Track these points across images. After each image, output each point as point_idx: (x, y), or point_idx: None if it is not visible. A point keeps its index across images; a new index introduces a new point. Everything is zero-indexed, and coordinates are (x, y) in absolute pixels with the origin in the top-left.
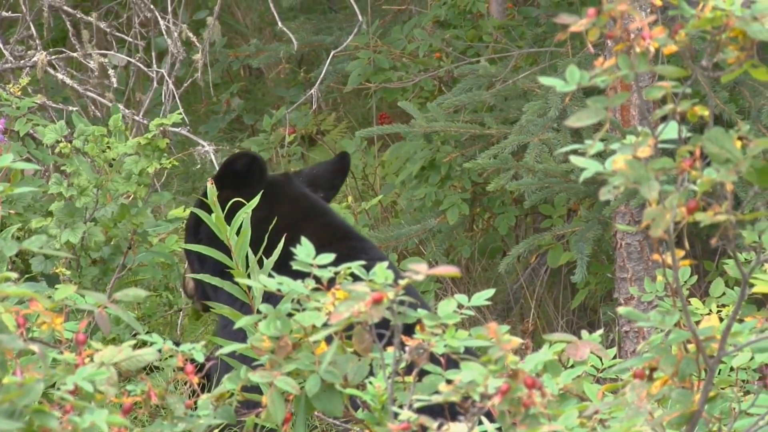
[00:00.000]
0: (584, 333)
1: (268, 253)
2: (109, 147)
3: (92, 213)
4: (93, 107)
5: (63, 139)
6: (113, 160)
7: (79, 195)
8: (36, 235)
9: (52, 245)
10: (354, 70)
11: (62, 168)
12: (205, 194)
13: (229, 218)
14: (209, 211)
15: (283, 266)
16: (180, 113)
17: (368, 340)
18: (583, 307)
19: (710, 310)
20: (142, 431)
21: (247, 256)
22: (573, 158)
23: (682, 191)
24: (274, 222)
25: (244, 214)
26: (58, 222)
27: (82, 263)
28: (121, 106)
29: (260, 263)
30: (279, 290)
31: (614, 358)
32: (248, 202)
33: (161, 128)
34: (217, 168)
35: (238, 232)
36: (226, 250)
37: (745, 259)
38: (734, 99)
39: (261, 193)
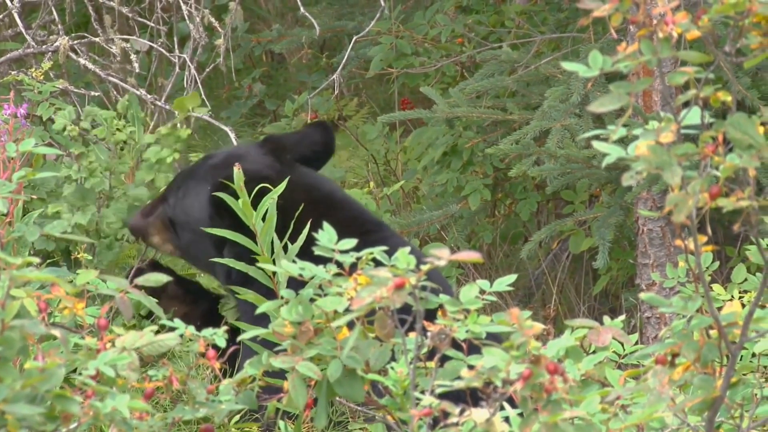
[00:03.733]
0: (606, 319)
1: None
2: (119, 129)
3: (105, 197)
4: (115, 92)
5: (71, 123)
6: (124, 142)
7: (89, 176)
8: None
9: (63, 228)
10: (376, 56)
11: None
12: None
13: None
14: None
15: (306, 255)
16: (199, 94)
17: (390, 326)
18: (605, 293)
19: (732, 296)
20: (164, 416)
21: (272, 242)
22: (595, 143)
23: (704, 177)
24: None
25: (270, 200)
26: (69, 206)
27: (98, 247)
28: (143, 92)
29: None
30: (301, 275)
31: (636, 343)
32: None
33: (183, 116)
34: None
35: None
36: (251, 236)
37: None
38: (757, 85)
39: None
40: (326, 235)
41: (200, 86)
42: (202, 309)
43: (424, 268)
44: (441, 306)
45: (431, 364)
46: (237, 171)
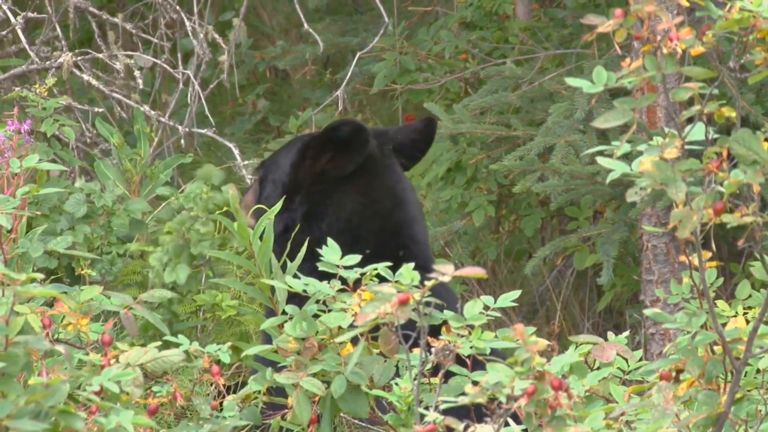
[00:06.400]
0: (610, 335)
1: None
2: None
3: (107, 213)
4: (118, 108)
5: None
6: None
7: (197, 242)
8: (64, 235)
9: (153, 281)
10: (380, 72)
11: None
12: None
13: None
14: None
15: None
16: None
17: (394, 342)
18: (609, 309)
19: (736, 313)
20: None
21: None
22: (600, 160)
23: (709, 193)
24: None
25: (267, 220)
26: (164, 256)
27: (102, 263)
28: (147, 108)
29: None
30: (305, 291)
31: (640, 360)
32: (344, 170)
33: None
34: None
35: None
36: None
37: None
38: (761, 101)
39: (358, 167)
40: (331, 251)
41: (204, 102)
42: None
43: (428, 284)
44: (445, 322)
45: (435, 380)
46: (232, 194)
